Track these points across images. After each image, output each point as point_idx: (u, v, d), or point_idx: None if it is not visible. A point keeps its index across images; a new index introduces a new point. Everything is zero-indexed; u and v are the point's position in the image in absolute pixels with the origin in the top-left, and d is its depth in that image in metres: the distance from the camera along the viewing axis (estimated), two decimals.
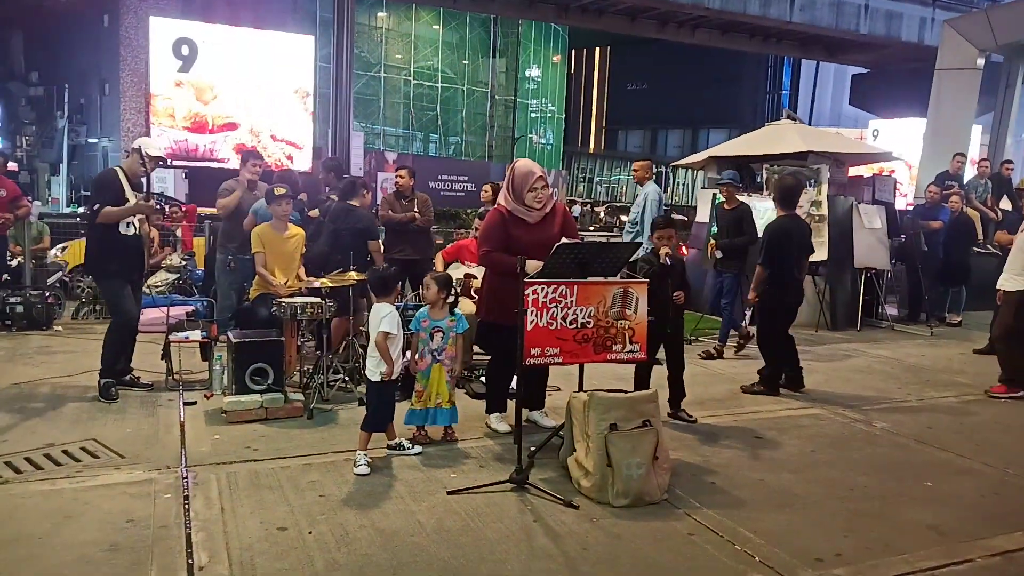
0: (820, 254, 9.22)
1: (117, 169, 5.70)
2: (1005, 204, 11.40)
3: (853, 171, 11.37)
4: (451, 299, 4.88)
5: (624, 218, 8.80)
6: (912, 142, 14.78)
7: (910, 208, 12.09)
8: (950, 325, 9.99)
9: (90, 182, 6.22)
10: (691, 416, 5.47)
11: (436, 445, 4.78)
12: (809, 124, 16.59)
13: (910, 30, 25.65)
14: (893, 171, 13.72)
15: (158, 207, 5.80)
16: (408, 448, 4.62)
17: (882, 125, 18.49)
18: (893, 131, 17.42)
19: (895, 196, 11.41)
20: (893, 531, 3.84)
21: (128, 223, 5.56)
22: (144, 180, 5.62)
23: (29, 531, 3.47)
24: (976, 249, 10.20)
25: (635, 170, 8.57)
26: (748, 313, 7.60)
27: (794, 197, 6.51)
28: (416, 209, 7.69)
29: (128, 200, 5.54)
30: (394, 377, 4.52)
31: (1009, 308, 6.66)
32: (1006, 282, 6.70)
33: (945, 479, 4.58)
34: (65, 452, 4.45)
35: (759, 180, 9.75)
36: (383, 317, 4.49)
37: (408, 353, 4.75)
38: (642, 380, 5.30)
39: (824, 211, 9.27)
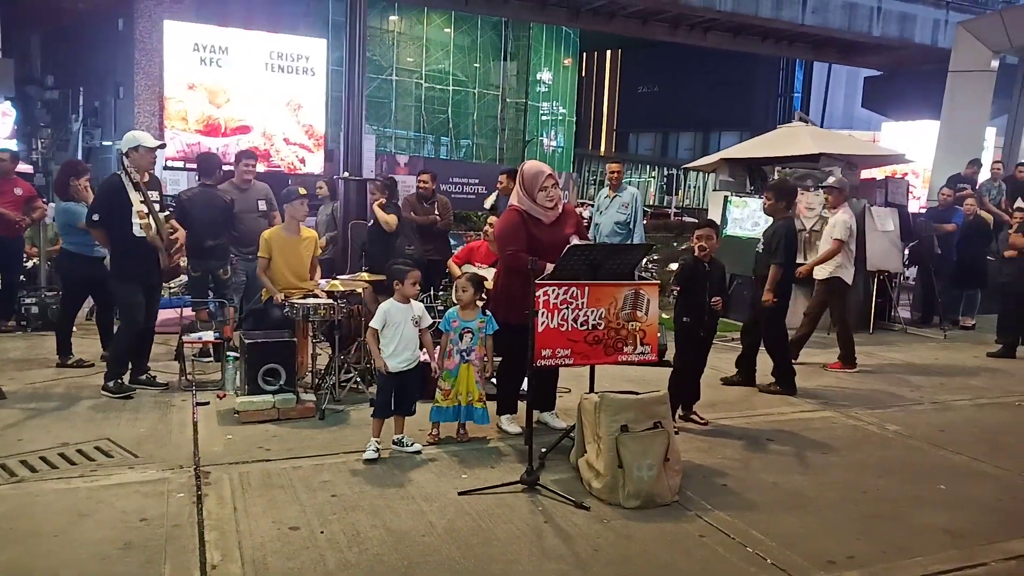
0: None
1: (119, 175, 5.64)
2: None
3: (865, 174, 11.31)
4: (482, 300, 4.97)
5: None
6: (923, 144, 14.68)
7: (923, 211, 12.03)
8: (964, 328, 9.92)
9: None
10: (703, 419, 5.46)
11: (448, 445, 4.79)
12: (821, 127, 16.50)
13: (923, 32, 25.52)
14: (906, 174, 13.65)
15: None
16: (407, 445, 4.64)
17: (895, 128, 18.38)
18: (904, 134, 17.33)
19: (908, 199, 11.34)
20: (907, 534, 3.82)
21: (141, 226, 5.58)
22: (157, 191, 5.70)
23: (45, 529, 3.50)
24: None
25: (616, 172, 8.34)
26: None
27: (794, 198, 6.76)
28: (437, 212, 7.83)
29: (132, 203, 5.55)
30: (395, 370, 4.55)
31: (818, 296, 7.56)
32: (817, 271, 7.44)
33: (959, 482, 4.56)
34: (79, 451, 4.48)
35: (771, 182, 9.71)
36: (377, 313, 4.64)
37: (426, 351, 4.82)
38: (674, 388, 5.24)
39: None
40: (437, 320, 5.46)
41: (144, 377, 5.87)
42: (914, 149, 13.61)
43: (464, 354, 4.79)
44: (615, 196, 8.15)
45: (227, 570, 3.21)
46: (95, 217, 5.62)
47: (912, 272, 11.12)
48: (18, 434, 4.75)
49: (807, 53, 28.36)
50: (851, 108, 33.98)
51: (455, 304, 4.96)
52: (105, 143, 25.08)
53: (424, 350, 4.79)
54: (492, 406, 5.23)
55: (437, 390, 4.83)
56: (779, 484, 4.40)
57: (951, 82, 13.69)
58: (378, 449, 4.52)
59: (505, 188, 7.70)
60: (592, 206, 9.17)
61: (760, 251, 6.42)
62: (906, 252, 10.23)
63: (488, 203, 7.65)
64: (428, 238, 7.81)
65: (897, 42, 25.46)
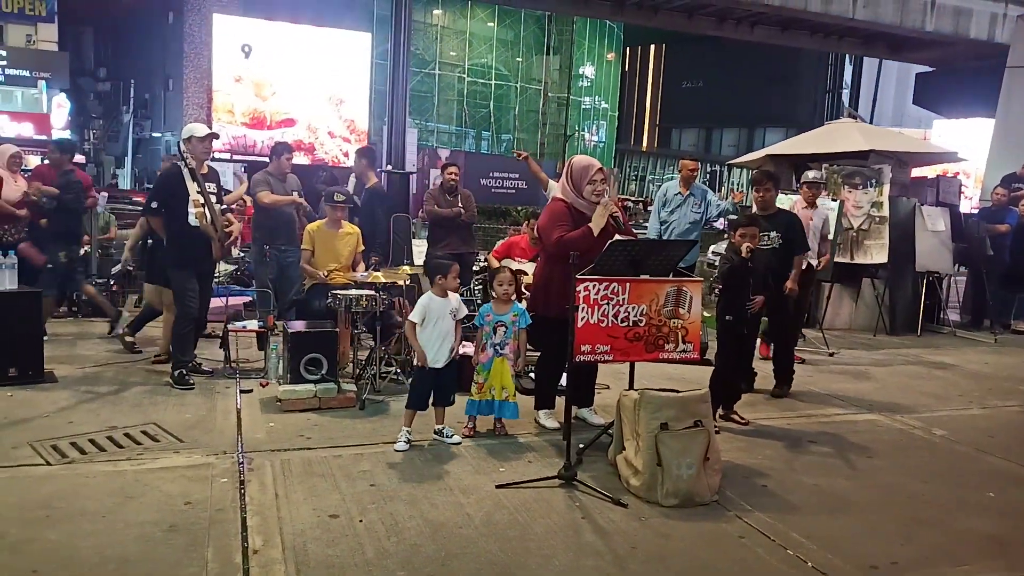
0: (880, 256, 9.01)
1: (179, 165, 5.76)
2: None
3: (916, 172, 11.06)
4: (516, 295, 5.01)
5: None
6: (976, 143, 14.31)
7: (975, 211, 11.72)
8: (1015, 332, 9.65)
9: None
10: (743, 418, 5.39)
11: (486, 439, 4.80)
12: (871, 124, 16.13)
13: (979, 27, 24.75)
14: (958, 173, 13.31)
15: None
16: (449, 436, 4.68)
17: (947, 125, 17.94)
18: (957, 132, 16.90)
19: (960, 198, 11.05)
20: (952, 540, 3.73)
21: (196, 215, 5.69)
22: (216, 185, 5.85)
23: (92, 509, 3.60)
24: None
25: (693, 170, 8.31)
26: None
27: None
28: (460, 205, 7.90)
29: (188, 193, 5.66)
30: (434, 366, 4.59)
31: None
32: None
33: (1008, 489, 4.44)
34: (127, 435, 4.59)
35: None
36: (416, 307, 4.70)
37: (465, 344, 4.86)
38: (715, 387, 5.04)
39: (885, 212, 9.03)
40: (473, 313, 5.45)
41: (190, 364, 5.98)
42: (967, 147, 13.26)
43: (497, 348, 4.79)
44: (688, 195, 8.09)
45: (268, 555, 3.26)
46: (153, 205, 5.81)
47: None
48: (69, 416, 4.89)
49: (856, 48, 27.73)
50: (902, 105, 33.17)
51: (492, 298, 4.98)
52: (155, 134, 25.63)
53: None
54: (527, 401, 5.24)
55: (472, 383, 4.85)
56: (821, 486, 4.33)
57: (1008, 78, 13.31)
58: (409, 439, 4.56)
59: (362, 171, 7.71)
60: (633, 202, 9.17)
61: (776, 246, 6.13)
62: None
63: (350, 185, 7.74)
64: (452, 231, 7.92)
65: (951, 37, 24.74)
